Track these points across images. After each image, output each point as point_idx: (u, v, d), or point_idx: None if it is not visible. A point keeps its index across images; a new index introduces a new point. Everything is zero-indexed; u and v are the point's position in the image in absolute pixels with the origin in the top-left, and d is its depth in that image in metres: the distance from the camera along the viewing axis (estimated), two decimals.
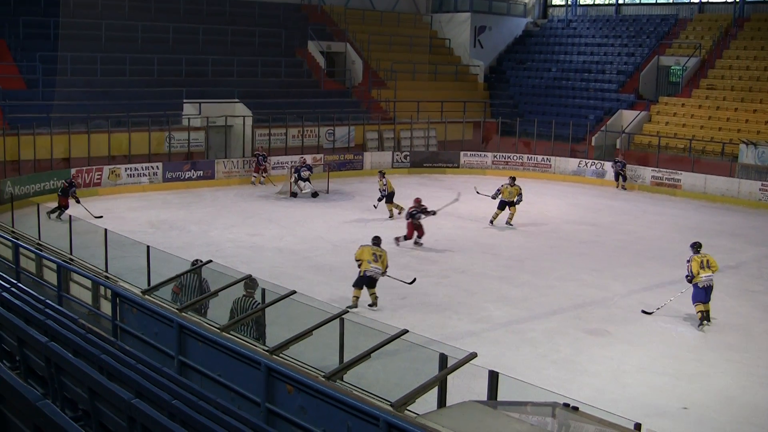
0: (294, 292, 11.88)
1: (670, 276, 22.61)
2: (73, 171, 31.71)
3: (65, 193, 27.84)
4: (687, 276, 18.77)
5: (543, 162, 42.59)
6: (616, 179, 39.63)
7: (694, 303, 18.67)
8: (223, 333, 10.75)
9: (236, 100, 38.74)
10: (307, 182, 33.60)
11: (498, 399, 9.27)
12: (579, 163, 42.08)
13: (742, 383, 15.47)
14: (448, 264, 23.57)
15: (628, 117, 45.84)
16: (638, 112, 45.85)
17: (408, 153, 42.44)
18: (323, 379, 8.99)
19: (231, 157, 37.29)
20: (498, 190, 29.57)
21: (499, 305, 19.59)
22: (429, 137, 44.87)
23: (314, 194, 33.54)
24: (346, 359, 10.00)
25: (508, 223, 29.35)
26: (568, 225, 30.17)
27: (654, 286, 22.00)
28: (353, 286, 19.05)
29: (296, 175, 33.64)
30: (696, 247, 19.34)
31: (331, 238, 26.06)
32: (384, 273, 19.21)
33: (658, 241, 27.90)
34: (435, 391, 9.10)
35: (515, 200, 29.26)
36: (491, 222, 29.38)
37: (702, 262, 18.63)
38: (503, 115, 47.59)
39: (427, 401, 8.63)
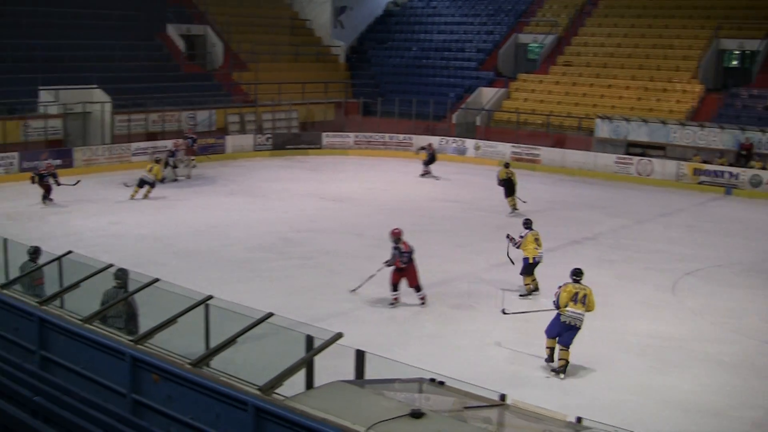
0: (157, 280, 11.74)
1: None
2: None
3: None
4: (554, 301, 15.37)
5: (405, 140, 42.92)
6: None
7: (546, 334, 15.26)
8: (86, 325, 10.56)
9: (94, 86, 37.75)
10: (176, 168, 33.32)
11: (365, 377, 9.37)
12: (441, 141, 42.56)
13: (602, 350, 15.98)
14: (313, 245, 23.60)
15: (487, 94, 46.62)
16: (497, 89, 46.70)
17: (270, 135, 42.18)
18: (189, 366, 8.93)
19: (90, 145, 36.43)
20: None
21: (365, 285, 19.74)
22: (291, 119, 44.71)
23: (174, 179, 33.16)
24: (212, 345, 9.95)
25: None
26: (430, 202, 30.54)
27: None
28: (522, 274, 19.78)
29: (172, 159, 33.22)
30: (575, 274, 15.55)
31: (194, 224, 25.79)
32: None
33: (518, 216, 28.43)
34: (303, 372, 9.15)
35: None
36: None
37: (577, 294, 15.08)
38: (365, 95, 47.77)
39: (295, 383, 8.66)
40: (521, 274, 19.68)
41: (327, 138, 43.19)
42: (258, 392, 7.83)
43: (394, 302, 18.28)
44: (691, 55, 43.73)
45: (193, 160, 35.72)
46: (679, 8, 47.08)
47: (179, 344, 10.04)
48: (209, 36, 47.72)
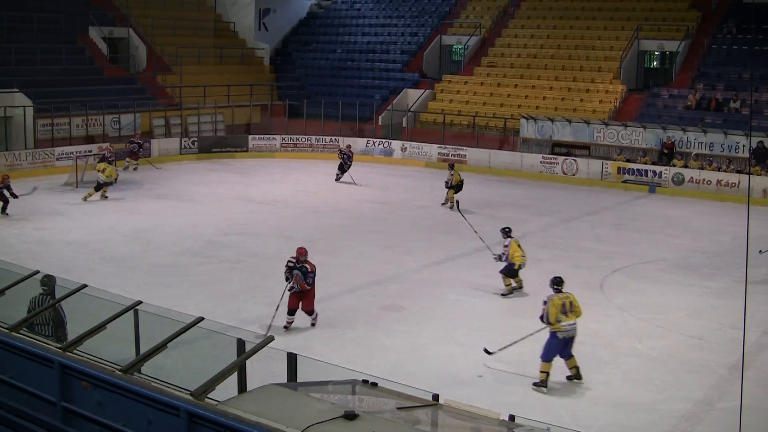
0: (85, 286, 11.58)
1: (460, 249, 23.39)
2: None
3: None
4: (541, 317, 14.69)
5: (332, 143, 42.86)
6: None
7: (542, 359, 14.41)
8: (13, 333, 10.38)
9: (15, 89, 37.12)
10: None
11: (298, 380, 9.34)
12: (367, 143, 42.63)
13: (533, 348, 16.11)
14: (242, 249, 23.46)
15: (413, 96, 46.77)
16: (423, 90, 46.87)
17: (196, 138, 41.84)
18: (120, 372, 8.82)
19: (12, 150, 35.77)
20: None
21: (272, 323, 19.67)
22: (216, 122, 44.36)
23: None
24: (142, 351, 9.84)
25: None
26: (359, 204, 30.56)
27: (445, 260, 22.66)
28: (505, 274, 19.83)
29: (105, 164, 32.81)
30: (556, 283, 14.99)
31: (122, 229, 25.48)
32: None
33: (446, 216, 28.65)
34: (235, 377, 9.10)
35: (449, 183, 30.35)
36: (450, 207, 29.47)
37: (564, 305, 14.42)
38: (290, 97, 47.58)
39: (228, 387, 8.61)
40: (502, 273, 19.97)
41: (253, 141, 42.94)
42: (190, 397, 7.76)
43: (288, 326, 16.96)
44: (612, 56, 44.33)
45: (136, 164, 35.59)
46: (600, 10, 47.73)
47: (109, 351, 9.92)
48: (132, 39, 47.10)
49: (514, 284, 19.91)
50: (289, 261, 17.10)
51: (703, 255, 24.36)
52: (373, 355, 15.44)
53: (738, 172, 35.11)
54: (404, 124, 44.99)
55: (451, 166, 31.06)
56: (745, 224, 9.81)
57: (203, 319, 9.64)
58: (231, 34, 53.92)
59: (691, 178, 35.57)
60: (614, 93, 42.45)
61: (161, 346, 9.36)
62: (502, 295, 19.64)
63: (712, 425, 13.08)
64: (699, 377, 15.06)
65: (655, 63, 45.90)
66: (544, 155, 39.25)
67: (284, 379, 9.16)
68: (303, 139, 43.22)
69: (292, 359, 9.35)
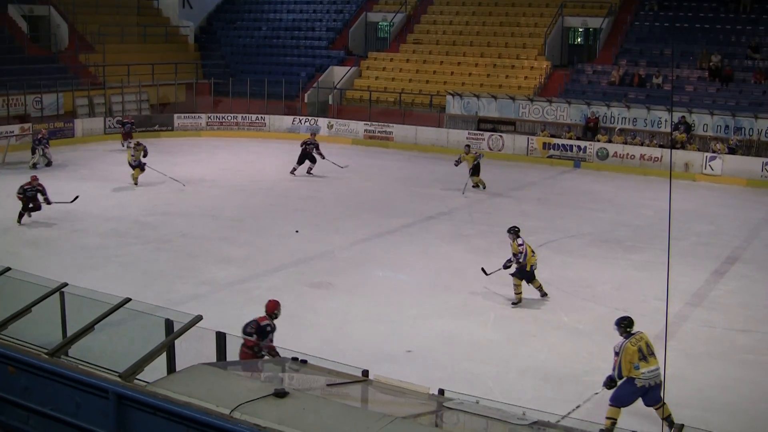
0: (9, 269, 11.43)
1: (387, 226, 23.51)
2: None
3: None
4: (612, 376, 12.18)
5: (258, 121, 42.63)
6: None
7: (611, 403, 12.18)
8: None
9: None
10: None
11: (227, 359, 9.34)
12: (293, 120, 42.45)
13: (461, 323, 16.28)
14: (169, 228, 23.26)
15: (339, 73, 46.65)
16: (349, 67, 46.77)
17: (120, 118, 41.27)
18: (46, 356, 8.73)
19: None
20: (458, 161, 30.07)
21: (222, 266, 19.60)
22: (141, 101, 43.75)
23: (48, 164, 32.23)
24: (69, 333, 9.75)
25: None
26: (285, 182, 30.49)
27: (373, 237, 22.72)
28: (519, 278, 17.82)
29: (42, 147, 32.17)
30: (625, 326, 12.46)
31: (46, 211, 24.98)
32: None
33: (374, 193, 28.75)
34: (164, 357, 9.06)
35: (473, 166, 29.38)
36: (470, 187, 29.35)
37: (641, 348, 12.00)
38: (215, 75, 47.17)
39: (157, 368, 8.57)
40: (515, 276, 17.78)
41: (179, 119, 42.45)
42: (118, 379, 7.71)
43: None
44: (537, 33, 44.64)
45: (131, 143, 34.56)
46: None
47: (35, 334, 9.81)
48: (53, 17, 46.20)
49: (534, 289, 17.91)
50: (264, 325, 12.65)
51: (627, 228, 24.75)
52: (302, 333, 15.43)
53: (661, 146, 35.67)
54: (330, 102, 44.90)
55: (468, 147, 30.72)
56: (667, 198, 9.98)
57: (130, 299, 9.58)
58: (155, 11, 53.11)
59: (615, 153, 36.07)
60: (539, 69, 42.78)
61: (88, 328, 9.28)
62: (513, 304, 17.62)
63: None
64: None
65: (579, 39, 46.36)
66: (470, 131, 39.46)
67: (214, 359, 9.15)
68: (229, 118, 42.87)
69: (221, 338, 9.35)
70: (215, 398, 7.08)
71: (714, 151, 34.97)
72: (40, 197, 23.64)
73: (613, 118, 38.33)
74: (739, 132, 35.74)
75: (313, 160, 32.07)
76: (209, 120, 42.76)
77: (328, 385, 8.45)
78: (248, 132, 42.14)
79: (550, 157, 37.01)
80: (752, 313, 17.85)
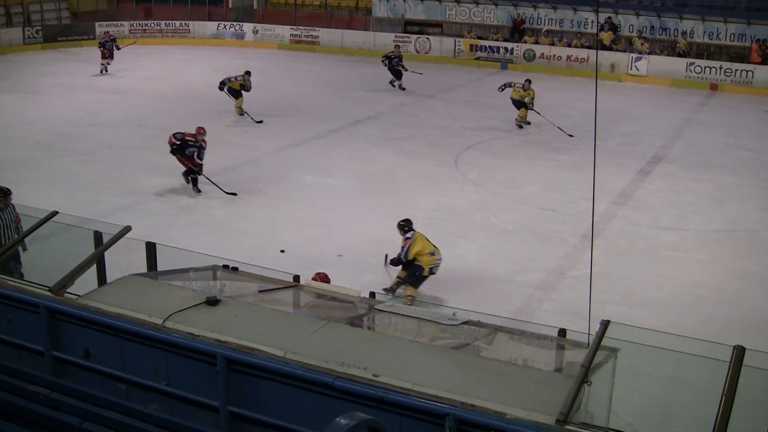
0: None
1: (315, 131, 23.50)
2: None
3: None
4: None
5: (182, 27, 41.90)
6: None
7: (411, 284, 13.27)
8: None
9: None
10: None
11: (158, 269, 9.33)
12: (218, 26, 41.83)
13: (391, 226, 16.36)
14: (94, 140, 22.87)
15: None
16: None
17: (40, 27, 40.18)
18: None
19: None
20: (506, 84, 25.82)
21: (151, 176, 19.41)
22: (61, 9, 42.66)
23: None
24: None
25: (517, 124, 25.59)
26: (212, 89, 30.02)
27: (301, 142, 22.65)
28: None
29: None
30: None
31: None
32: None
33: (301, 98, 28.57)
34: (94, 270, 9.01)
35: (527, 102, 25.47)
36: (520, 126, 25.51)
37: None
38: None
39: (87, 281, 8.53)
40: (409, 283, 13.53)
41: (100, 28, 41.38)
42: (49, 293, 7.67)
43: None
44: None
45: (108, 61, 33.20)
46: None
47: None
48: None
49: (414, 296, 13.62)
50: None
51: (555, 129, 24.95)
52: (233, 241, 15.46)
53: (587, 47, 35.85)
54: (255, 7, 44.27)
55: (528, 82, 25.91)
56: (593, 99, 10.11)
57: (57, 213, 9.48)
58: None
59: (542, 54, 36.23)
60: None
61: (16, 244, 9.20)
62: (385, 290, 13.27)
63: (564, 293, 13.62)
64: (552, 248, 15.61)
65: None
66: (397, 34, 39.29)
67: (144, 270, 9.14)
68: (152, 25, 42.04)
69: (151, 248, 9.32)
70: (147, 308, 7.10)
71: (640, 52, 35.27)
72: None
73: (539, 20, 38.41)
74: (686, 35, 36.00)
75: (399, 75, 30.70)
76: (132, 28, 41.82)
77: (259, 291, 8.51)
78: (173, 39, 41.40)
79: (478, 59, 37.06)
80: (676, 211, 18.23)
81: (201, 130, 18.43)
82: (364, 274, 13.95)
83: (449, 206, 17.70)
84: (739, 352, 6.81)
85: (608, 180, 19.41)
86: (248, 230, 16.20)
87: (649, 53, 35.52)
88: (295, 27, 40.76)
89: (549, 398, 5.99)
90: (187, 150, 18.20)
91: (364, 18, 41.22)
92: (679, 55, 35.39)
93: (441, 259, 13.25)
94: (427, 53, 37.90)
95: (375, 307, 8.25)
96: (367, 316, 8.23)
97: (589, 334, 7.90)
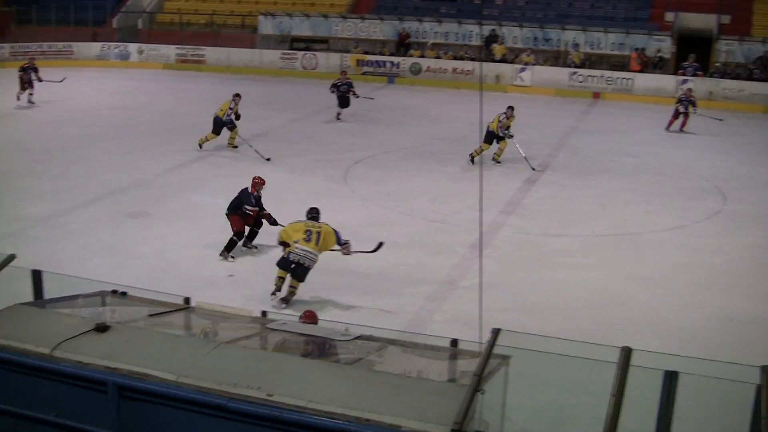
0: None
1: (204, 149, 23.27)
2: None
3: None
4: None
5: (65, 49, 41.20)
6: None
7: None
8: None
9: None
10: None
11: (45, 298, 9.14)
12: (102, 47, 41.25)
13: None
14: None
15: None
16: None
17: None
18: None
19: None
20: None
21: (35, 202, 18.98)
22: None
23: None
24: None
25: (495, 159, 23.23)
26: (97, 111, 29.67)
27: (188, 162, 22.45)
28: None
29: None
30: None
31: None
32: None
33: (188, 117, 28.32)
34: None
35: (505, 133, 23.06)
36: (472, 160, 22.83)
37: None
38: (18, 3, 45.16)
39: None
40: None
41: None
42: None
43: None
44: None
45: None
46: None
47: None
48: None
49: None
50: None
51: (442, 141, 25.27)
52: (122, 265, 15.20)
53: (472, 59, 36.35)
54: (140, 26, 43.78)
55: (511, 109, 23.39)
56: (479, 110, 10.27)
57: None
58: None
59: (428, 67, 36.63)
60: None
61: None
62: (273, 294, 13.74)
63: (455, 303, 13.74)
64: (442, 259, 15.75)
65: None
66: (284, 51, 39.31)
67: (30, 298, 8.95)
68: (34, 47, 41.15)
69: (36, 276, 9.13)
70: (34, 338, 6.95)
71: (524, 63, 35.93)
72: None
73: (425, 33, 38.82)
74: (578, 47, 36.76)
75: (347, 103, 28.63)
76: (12, 50, 40.91)
77: (150, 315, 8.40)
78: (56, 61, 40.62)
79: (365, 73, 37.28)
80: (563, 217, 18.61)
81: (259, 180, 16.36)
82: (256, 292, 13.87)
83: (339, 222, 17.56)
84: (626, 353, 6.97)
85: (495, 190, 19.71)
86: (137, 253, 15.95)
87: (534, 64, 36.21)
88: (180, 46, 40.45)
89: (443, 408, 6.05)
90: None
91: (250, 36, 41.08)
92: (575, 67, 36.18)
93: (303, 253, 13.38)
94: (314, 69, 37.99)
95: (267, 326, 8.21)
96: (260, 336, 8.20)
97: (480, 342, 8.01)
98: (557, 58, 37.45)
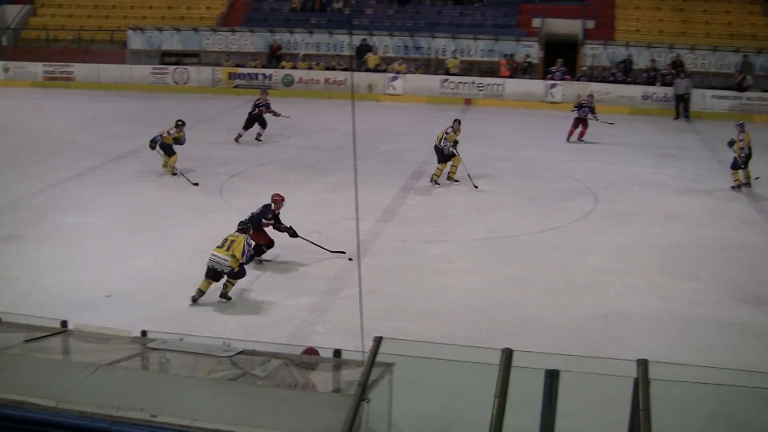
0: None
1: (75, 168, 22.91)
2: None
3: None
4: None
5: None
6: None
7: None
8: None
9: None
10: None
11: None
12: None
13: (157, 261, 16.11)
14: None
15: (11, 12, 44.43)
16: (21, 6, 44.56)
17: None
18: None
19: None
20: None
21: None
22: None
23: None
24: None
25: (450, 178, 22.65)
26: None
27: (60, 181, 21.93)
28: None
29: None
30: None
31: None
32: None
33: (59, 136, 27.73)
34: None
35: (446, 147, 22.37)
36: (435, 182, 22.42)
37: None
38: None
39: None
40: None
41: None
42: None
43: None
44: None
45: None
46: None
47: None
48: None
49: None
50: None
51: (318, 152, 25.33)
52: None
53: (344, 69, 36.52)
54: (5, 44, 42.73)
55: (458, 123, 23.08)
56: (356, 119, 10.35)
57: None
58: None
59: (300, 78, 36.69)
60: None
61: None
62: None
63: (336, 313, 13.77)
64: (321, 270, 15.76)
65: None
66: (155, 66, 38.83)
67: None
68: None
69: None
70: None
71: (396, 72, 36.27)
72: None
73: (296, 44, 38.86)
74: (456, 53, 37.18)
75: (264, 124, 27.66)
76: None
77: (25, 341, 8.23)
78: None
79: (237, 86, 37.10)
80: (439, 223, 18.85)
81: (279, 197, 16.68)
82: (135, 312, 13.66)
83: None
84: (507, 355, 7.12)
85: (372, 198, 19.83)
86: (9, 278, 15.52)
87: (406, 72, 36.56)
88: (48, 63, 39.57)
89: (329, 419, 6.09)
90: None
91: (119, 51, 40.47)
92: (447, 74, 36.66)
93: (215, 258, 14.13)
94: (185, 84, 37.64)
95: (148, 345, 8.12)
96: (141, 356, 8.10)
97: (363, 352, 8.06)
98: (428, 66, 37.91)
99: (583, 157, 25.82)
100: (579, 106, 28.32)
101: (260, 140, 27.29)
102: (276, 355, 8.35)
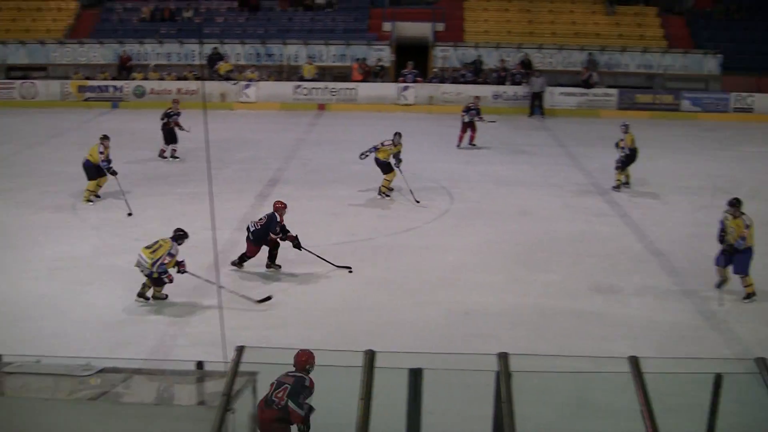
0: None
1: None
2: None
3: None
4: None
5: None
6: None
7: None
8: None
9: None
10: None
11: None
12: None
13: (11, 282, 15.72)
14: None
15: None
16: None
17: None
18: None
19: None
20: (370, 150, 21.73)
21: None
22: None
23: None
24: None
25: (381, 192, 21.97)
26: None
27: None
28: None
29: None
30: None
31: None
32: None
33: None
34: None
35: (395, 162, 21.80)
36: (384, 194, 21.91)
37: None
38: None
39: None
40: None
41: None
42: None
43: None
44: None
45: None
46: None
47: None
48: None
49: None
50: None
51: (172, 163, 25.09)
52: None
53: (197, 79, 36.23)
54: None
55: (398, 136, 21.93)
56: (209, 128, 10.33)
57: None
58: None
59: (152, 89, 36.21)
60: (67, 10, 41.65)
61: None
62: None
63: (198, 325, 13.75)
64: (181, 281, 15.36)
65: None
66: (1, 81, 37.76)
67: None
68: None
69: None
70: None
71: (248, 80, 36.17)
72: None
73: (147, 55, 38.36)
74: (313, 59, 37.14)
75: (175, 138, 26.13)
76: None
77: None
78: None
79: (87, 99, 36.36)
80: (298, 230, 18.62)
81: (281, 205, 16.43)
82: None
83: (71, 254, 17.21)
84: (370, 357, 7.24)
85: (228, 207, 19.68)
86: None
87: (259, 80, 36.47)
88: None
89: None
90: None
91: None
92: (301, 80, 36.68)
93: (139, 258, 14.57)
94: (33, 98, 36.66)
95: (3, 370, 7.95)
96: None
97: (226, 362, 8.07)
98: (281, 73, 37.91)
99: (438, 158, 26.24)
100: (467, 110, 28.34)
101: (165, 157, 26.13)
102: (138, 371, 8.29)
